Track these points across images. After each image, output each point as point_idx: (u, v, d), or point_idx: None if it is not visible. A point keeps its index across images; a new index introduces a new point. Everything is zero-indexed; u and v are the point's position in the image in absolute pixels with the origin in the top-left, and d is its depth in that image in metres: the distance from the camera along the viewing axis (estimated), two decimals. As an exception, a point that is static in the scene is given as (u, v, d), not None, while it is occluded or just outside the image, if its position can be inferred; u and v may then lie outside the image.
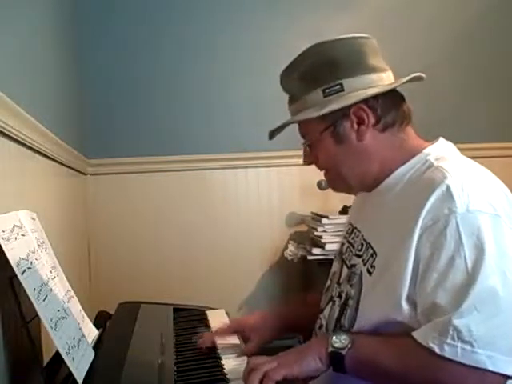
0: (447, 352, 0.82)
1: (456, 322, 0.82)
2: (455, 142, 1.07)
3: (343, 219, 1.57)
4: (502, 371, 0.81)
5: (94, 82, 2.32)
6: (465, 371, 0.81)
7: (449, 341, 0.82)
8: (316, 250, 2.11)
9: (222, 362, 1.12)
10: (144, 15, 2.38)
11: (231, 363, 1.12)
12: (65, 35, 1.98)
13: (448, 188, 0.89)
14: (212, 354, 1.16)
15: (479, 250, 0.84)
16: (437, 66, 2.47)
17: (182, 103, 2.40)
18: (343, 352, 0.92)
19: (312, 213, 2.30)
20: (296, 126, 1.13)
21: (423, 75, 1.05)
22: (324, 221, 2.11)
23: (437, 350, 0.82)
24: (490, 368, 0.80)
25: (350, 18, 2.43)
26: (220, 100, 2.43)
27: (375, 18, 2.47)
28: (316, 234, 2.13)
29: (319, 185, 1.99)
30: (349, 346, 0.92)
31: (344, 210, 2.16)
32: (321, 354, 0.93)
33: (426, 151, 1.01)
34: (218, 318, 1.46)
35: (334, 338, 0.93)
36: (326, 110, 1.00)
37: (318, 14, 2.43)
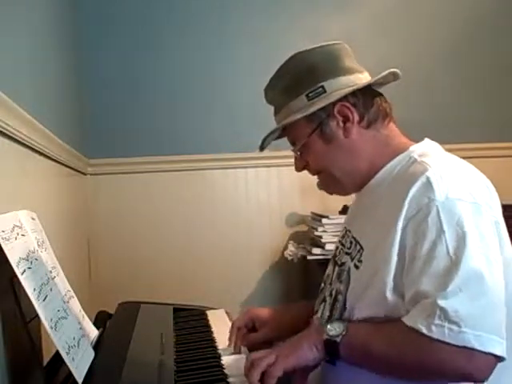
0: (435, 332, 0.83)
1: (441, 302, 0.83)
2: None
3: (343, 219, 1.57)
4: (489, 350, 0.81)
5: (94, 82, 2.31)
6: (453, 352, 0.82)
7: (436, 321, 0.83)
8: (316, 250, 2.11)
9: (222, 361, 1.12)
10: (144, 15, 2.38)
11: (231, 363, 1.12)
12: (65, 35, 1.98)
13: (428, 179, 0.91)
14: (212, 354, 1.16)
15: (460, 236, 0.87)
16: (436, 66, 2.47)
17: (182, 103, 2.40)
18: (338, 339, 0.93)
19: (312, 213, 2.30)
20: None
21: (398, 72, 1.07)
22: (324, 221, 2.11)
23: (424, 331, 0.83)
24: (478, 347, 0.81)
25: (349, 19, 2.44)
26: (220, 100, 2.42)
27: (374, 19, 2.47)
28: (316, 234, 2.13)
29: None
30: (343, 333, 0.94)
31: (344, 210, 2.16)
32: (316, 342, 0.95)
33: (411, 149, 1.04)
34: (217, 318, 1.46)
35: (328, 326, 0.95)
36: (311, 110, 1.04)
37: (318, 14, 2.43)
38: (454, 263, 0.85)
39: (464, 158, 1.03)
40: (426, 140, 1.08)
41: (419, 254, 0.88)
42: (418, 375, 0.89)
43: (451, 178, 0.93)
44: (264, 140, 1.14)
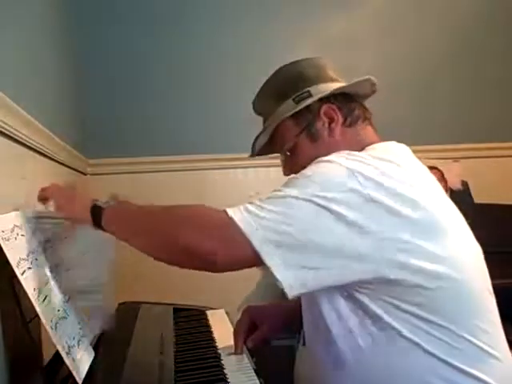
0: (230, 212, 0.95)
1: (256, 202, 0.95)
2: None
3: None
4: (246, 234, 0.90)
5: (94, 82, 2.31)
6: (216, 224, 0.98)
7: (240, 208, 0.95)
8: (316, 250, 2.11)
9: (222, 361, 1.12)
10: (143, 15, 2.38)
11: (231, 363, 1.12)
12: (64, 35, 1.98)
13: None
14: (212, 354, 1.16)
15: (305, 178, 0.97)
16: (436, 66, 2.47)
17: (182, 103, 2.40)
18: (103, 206, 1.05)
19: (312, 213, 2.30)
20: None
21: (374, 80, 1.11)
22: (324, 221, 2.11)
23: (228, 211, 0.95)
24: (235, 219, 0.93)
25: (349, 19, 2.43)
26: (220, 100, 2.42)
27: (375, 19, 2.47)
28: (316, 233, 2.12)
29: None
30: (111, 203, 1.06)
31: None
32: (86, 207, 1.05)
33: (370, 146, 1.05)
34: (217, 318, 1.47)
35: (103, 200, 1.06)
36: (298, 108, 1.09)
37: (318, 14, 2.43)
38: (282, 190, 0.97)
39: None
40: (392, 141, 1.09)
41: None
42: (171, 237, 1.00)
43: (351, 158, 0.95)
44: (254, 144, 1.18)
